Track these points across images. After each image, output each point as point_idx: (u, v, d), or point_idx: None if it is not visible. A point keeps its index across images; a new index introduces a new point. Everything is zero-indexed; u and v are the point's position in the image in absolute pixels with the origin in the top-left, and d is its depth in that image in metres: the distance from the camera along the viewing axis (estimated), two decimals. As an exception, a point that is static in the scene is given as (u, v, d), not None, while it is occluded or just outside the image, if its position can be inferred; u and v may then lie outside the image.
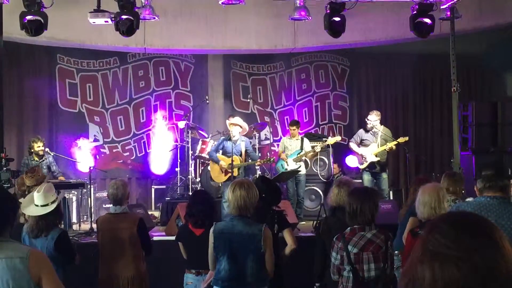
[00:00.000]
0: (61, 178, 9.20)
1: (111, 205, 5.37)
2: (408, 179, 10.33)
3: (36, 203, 4.52)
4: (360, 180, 9.76)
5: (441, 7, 8.46)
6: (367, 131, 9.59)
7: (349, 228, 4.14)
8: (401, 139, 9.48)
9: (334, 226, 4.66)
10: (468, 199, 4.68)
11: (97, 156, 10.96)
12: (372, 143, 9.49)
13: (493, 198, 3.62)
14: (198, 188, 9.96)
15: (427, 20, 8.19)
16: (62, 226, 5.53)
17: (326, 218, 5.14)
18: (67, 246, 4.76)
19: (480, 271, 1.32)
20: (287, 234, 4.94)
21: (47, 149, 9.18)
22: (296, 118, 12.00)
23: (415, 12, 8.20)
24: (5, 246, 2.85)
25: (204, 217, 4.99)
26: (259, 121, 12.05)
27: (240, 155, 9.05)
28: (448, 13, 8.53)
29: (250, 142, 9.92)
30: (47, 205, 4.53)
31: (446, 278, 1.33)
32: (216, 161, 9.13)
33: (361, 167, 9.57)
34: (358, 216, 4.06)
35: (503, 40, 11.80)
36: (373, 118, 9.51)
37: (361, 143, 9.63)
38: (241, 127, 9.18)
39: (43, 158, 9.10)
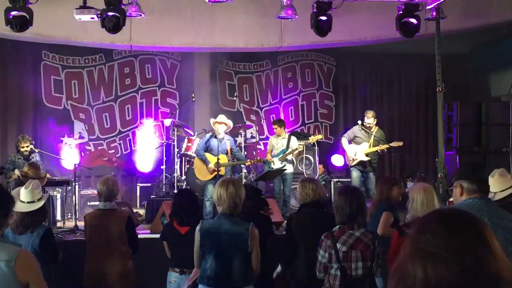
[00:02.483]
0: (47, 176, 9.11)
1: (100, 202, 5.34)
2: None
3: (22, 199, 4.49)
4: (349, 179, 9.81)
5: (426, 8, 8.52)
6: (363, 129, 9.60)
7: (338, 226, 4.19)
8: (395, 143, 9.47)
9: (304, 220, 4.90)
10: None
11: (82, 153, 10.89)
12: (364, 142, 9.51)
13: (481, 199, 3.75)
14: (184, 186, 9.94)
15: (413, 20, 8.23)
16: (47, 223, 5.49)
17: (296, 214, 5.24)
18: (52, 243, 4.75)
19: (471, 270, 1.34)
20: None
21: (31, 147, 9.02)
22: (282, 116, 12.02)
23: (401, 12, 8.24)
24: None
25: (190, 215, 4.99)
26: (245, 119, 12.06)
27: (226, 154, 9.01)
28: (434, 13, 8.59)
29: (236, 141, 9.89)
30: (33, 202, 4.50)
31: (437, 277, 1.34)
32: (206, 162, 8.92)
33: (351, 164, 9.59)
34: (357, 216, 4.13)
35: (488, 41, 11.92)
36: (371, 121, 9.51)
37: (353, 139, 9.65)
38: (226, 124, 9.12)
39: (30, 157, 8.97)
